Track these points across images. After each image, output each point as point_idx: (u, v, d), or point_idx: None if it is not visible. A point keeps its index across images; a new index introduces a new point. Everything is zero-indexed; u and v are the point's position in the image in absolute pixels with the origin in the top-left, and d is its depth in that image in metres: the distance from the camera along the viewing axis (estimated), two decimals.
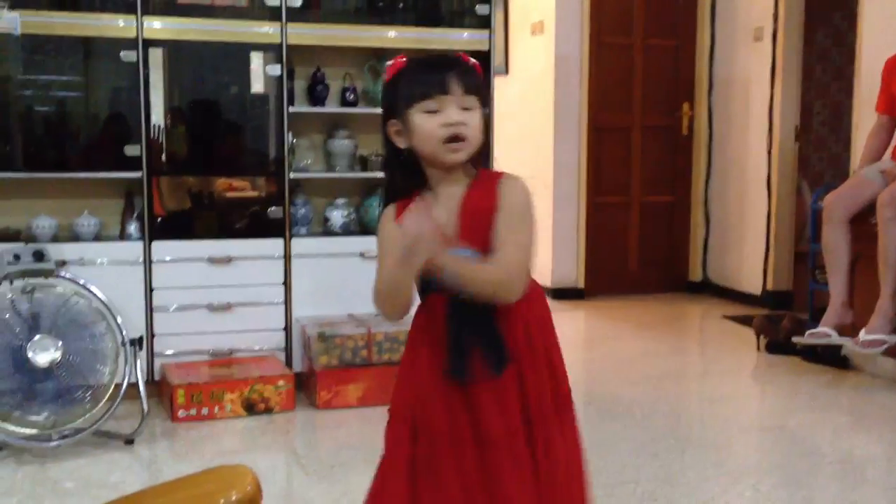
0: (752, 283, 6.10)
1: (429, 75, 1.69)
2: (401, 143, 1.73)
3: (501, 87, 4.48)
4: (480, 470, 1.69)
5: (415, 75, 1.71)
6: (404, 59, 1.75)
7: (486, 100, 1.75)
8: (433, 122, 1.67)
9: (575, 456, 1.78)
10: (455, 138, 1.67)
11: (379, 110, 3.85)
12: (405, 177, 1.75)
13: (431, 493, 1.71)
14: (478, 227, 1.68)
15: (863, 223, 4.19)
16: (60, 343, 3.23)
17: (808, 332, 4.32)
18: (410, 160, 1.74)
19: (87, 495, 2.91)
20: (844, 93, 6.37)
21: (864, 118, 4.83)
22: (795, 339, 4.43)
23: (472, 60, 1.76)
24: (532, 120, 6.45)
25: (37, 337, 3.20)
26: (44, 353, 3.20)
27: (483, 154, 1.76)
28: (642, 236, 6.54)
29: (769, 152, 5.89)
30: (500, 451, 1.69)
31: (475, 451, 1.69)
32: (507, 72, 6.75)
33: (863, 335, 4.01)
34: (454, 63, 1.72)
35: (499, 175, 1.74)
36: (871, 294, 4.09)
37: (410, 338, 1.82)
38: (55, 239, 3.72)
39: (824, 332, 4.22)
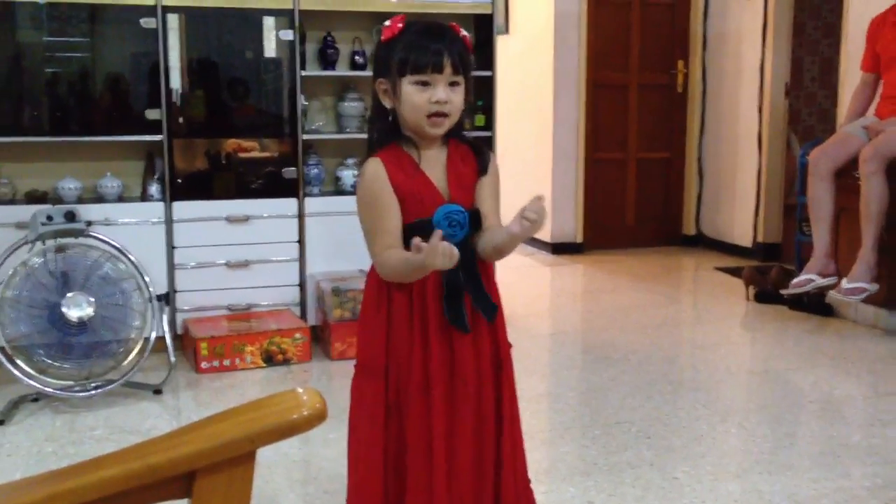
0: (743, 235, 6.26)
1: (424, 48, 1.72)
2: (387, 103, 1.80)
3: (502, 46, 4.58)
4: (448, 403, 1.80)
5: (411, 45, 1.73)
6: (401, 23, 1.78)
7: (470, 72, 1.80)
8: (422, 97, 1.74)
9: (515, 399, 1.96)
10: (438, 114, 1.76)
11: None
12: (387, 133, 1.82)
13: (398, 435, 1.82)
14: (462, 187, 1.84)
15: (846, 177, 4.35)
16: (92, 300, 3.36)
17: (791, 283, 4.48)
18: (394, 120, 1.81)
19: (121, 441, 3.04)
20: (834, 49, 6.45)
21: (851, 75, 4.94)
22: (783, 292, 4.61)
23: (464, 33, 1.82)
24: (532, 78, 6.55)
25: (70, 294, 3.33)
26: (77, 309, 3.32)
27: (459, 123, 1.86)
28: (639, 192, 6.68)
29: (760, 108, 6.01)
30: (469, 389, 1.82)
31: (445, 388, 1.80)
32: (507, 31, 6.84)
33: (845, 284, 4.18)
34: (448, 36, 1.76)
35: (467, 141, 1.89)
36: (854, 245, 4.26)
37: (376, 292, 1.84)
38: (80, 200, 3.85)
39: (807, 279, 4.37)
